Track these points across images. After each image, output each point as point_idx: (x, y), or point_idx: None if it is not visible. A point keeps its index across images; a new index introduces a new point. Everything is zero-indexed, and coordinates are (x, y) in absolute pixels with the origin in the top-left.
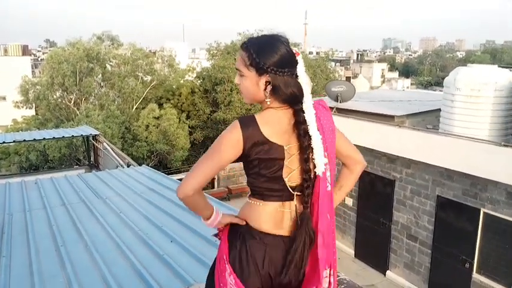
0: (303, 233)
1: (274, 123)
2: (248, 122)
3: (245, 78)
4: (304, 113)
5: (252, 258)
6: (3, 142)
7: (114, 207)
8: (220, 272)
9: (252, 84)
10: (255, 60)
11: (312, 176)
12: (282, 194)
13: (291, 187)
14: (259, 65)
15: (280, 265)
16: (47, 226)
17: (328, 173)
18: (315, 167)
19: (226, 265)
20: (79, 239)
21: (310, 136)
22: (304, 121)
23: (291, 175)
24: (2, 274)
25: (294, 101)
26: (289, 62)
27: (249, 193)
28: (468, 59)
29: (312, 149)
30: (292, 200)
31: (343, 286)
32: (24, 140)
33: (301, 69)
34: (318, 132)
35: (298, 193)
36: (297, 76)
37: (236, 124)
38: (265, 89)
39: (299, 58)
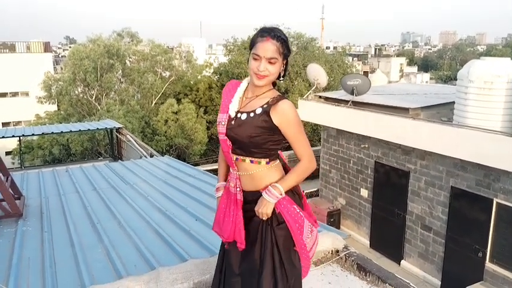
0: None
1: None
2: None
3: (276, 64)
4: None
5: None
6: (33, 134)
7: (142, 192)
8: (300, 224)
9: (278, 68)
10: (287, 49)
11: None
12: None
13: None
14: (288, 53)
15: None
16: (81, 207)
17: None
18: None
19: (301, 214)
20: (112, 218)
21: None
22: None
23: None
24: (46, 245)
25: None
26: None
27: (269, 160)
28: (489, 53)
29: None
30: None
31: (353, 258)
32: (52, 133)
33: None
34: None
35: None
36: None
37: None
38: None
39: None
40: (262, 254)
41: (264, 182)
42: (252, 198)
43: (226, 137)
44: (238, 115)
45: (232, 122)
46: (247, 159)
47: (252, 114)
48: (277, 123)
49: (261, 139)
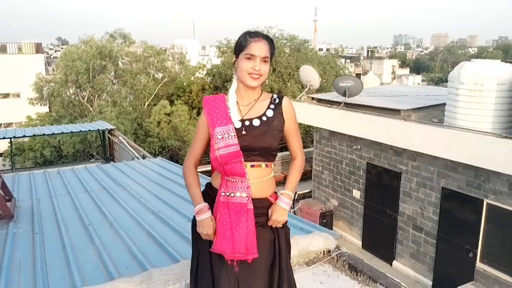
0: None
1: None
2: None
3: (268, 64)
4: None
5: None
6: (24, 136)
7: (134, 193)
8: None
9: (269, 68)
10: (274, 50)
11: None
12: None
13: None
14: (274, 53)
15: None
16: (73, 209)
17: None
18: None
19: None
20: (104, 220)
21: None
22: None
23: None
24: (37, 247)
25: None
26: None
27: (271, 163)
28: (480, 55)
29: None
30: None
31: (344, 258)
32: (44, 134)
33: None
34: None
35: None
36: None
37: None
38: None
39: None
40: (279, 261)
41: (272, 187)
42: (259, 205)
43: (239, 148)
44: (247, 123)
45: (243, 132)
46: (263, 164)
47: (264, 118)
48: (286, 119)
49: (278, 140)
